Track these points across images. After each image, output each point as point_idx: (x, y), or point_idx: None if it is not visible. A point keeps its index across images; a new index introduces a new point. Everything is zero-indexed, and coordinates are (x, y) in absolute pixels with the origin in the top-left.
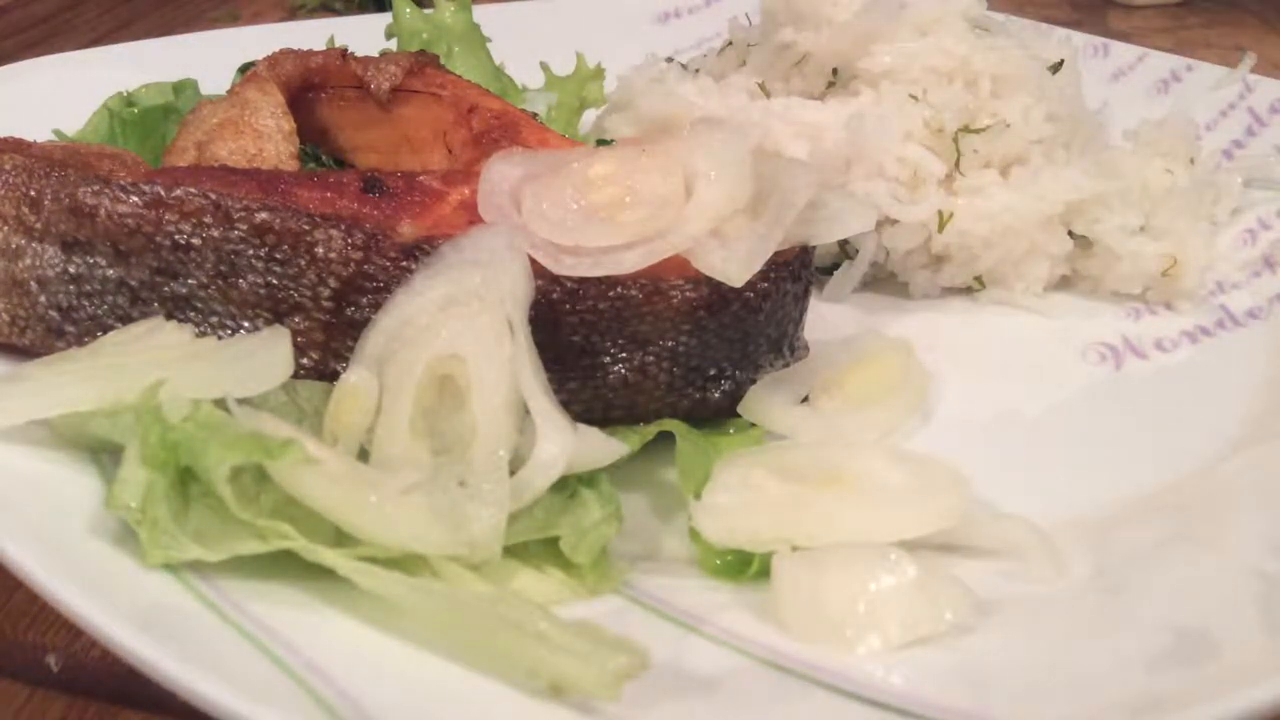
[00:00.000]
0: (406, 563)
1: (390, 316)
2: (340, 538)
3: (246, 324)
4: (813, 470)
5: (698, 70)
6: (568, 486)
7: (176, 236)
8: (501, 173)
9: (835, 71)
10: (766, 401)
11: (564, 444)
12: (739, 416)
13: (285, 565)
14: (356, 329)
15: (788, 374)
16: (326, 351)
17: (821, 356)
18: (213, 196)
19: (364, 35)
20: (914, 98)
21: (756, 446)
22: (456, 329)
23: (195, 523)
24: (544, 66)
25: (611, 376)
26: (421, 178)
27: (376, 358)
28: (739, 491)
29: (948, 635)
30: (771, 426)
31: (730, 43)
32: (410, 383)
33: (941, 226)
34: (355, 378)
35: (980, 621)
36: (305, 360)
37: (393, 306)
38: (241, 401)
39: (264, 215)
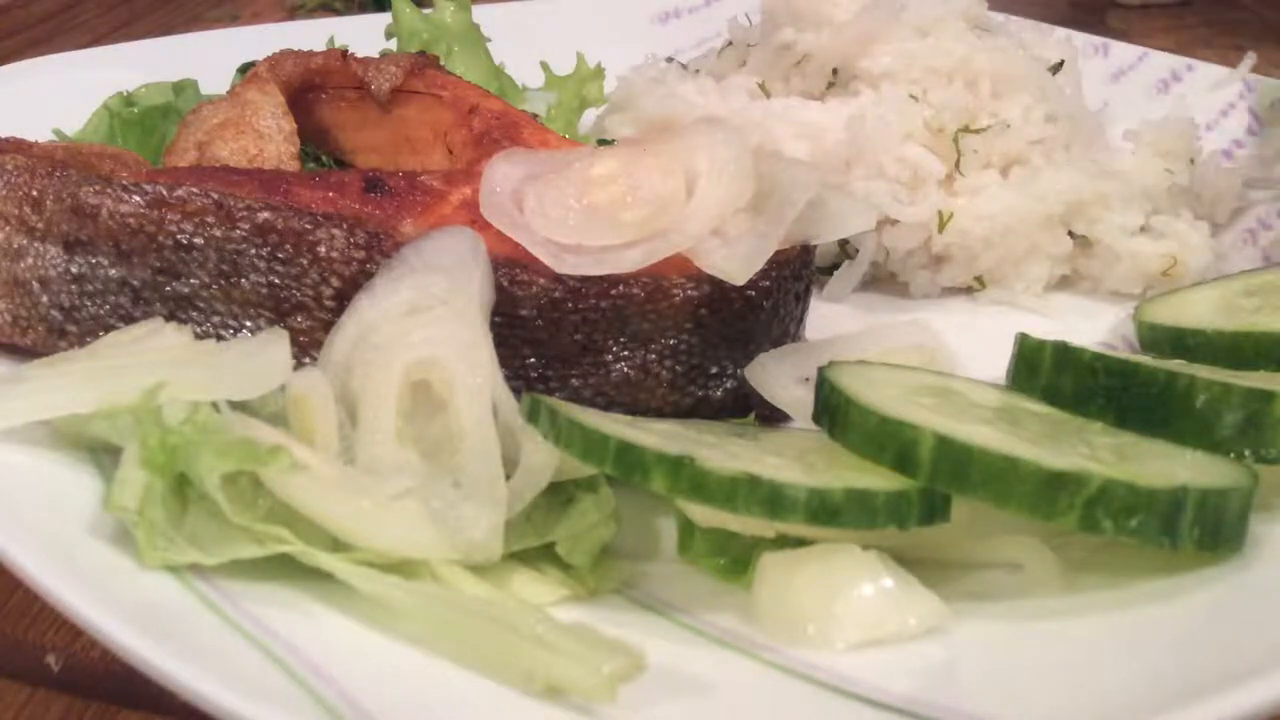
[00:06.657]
0: (404, 565)
1: (353, 321)
2: (338, 541)
3: (249, 324)
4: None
5: (698, 70)
6: (564, 490)
7: (179, 236)
8: (503, 172)
9: (835, 72)
10: (773, 372)
11: (551, 449)
12: (742, 415)
13: (285, 566)
14: None
15: (801, 349)
16: None
17: (840, 341)
18: (215, 196)
19: (364, 35)
20: (914, 98)
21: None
22: (432, 334)
23: (192, 525)
24: (544, 66)
25: (614, 374)
26: (423, 177)
27: (342, 364)
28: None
29: (948, 637)
30: (771, 399)
31: (730, 43)
32: (390, 390)
33: (941, 226)
34: (301, 383)
35: (981, 624)
36: (307, 360)
37: (355, 311)
38: (238, 405)
39: (266, 215)
